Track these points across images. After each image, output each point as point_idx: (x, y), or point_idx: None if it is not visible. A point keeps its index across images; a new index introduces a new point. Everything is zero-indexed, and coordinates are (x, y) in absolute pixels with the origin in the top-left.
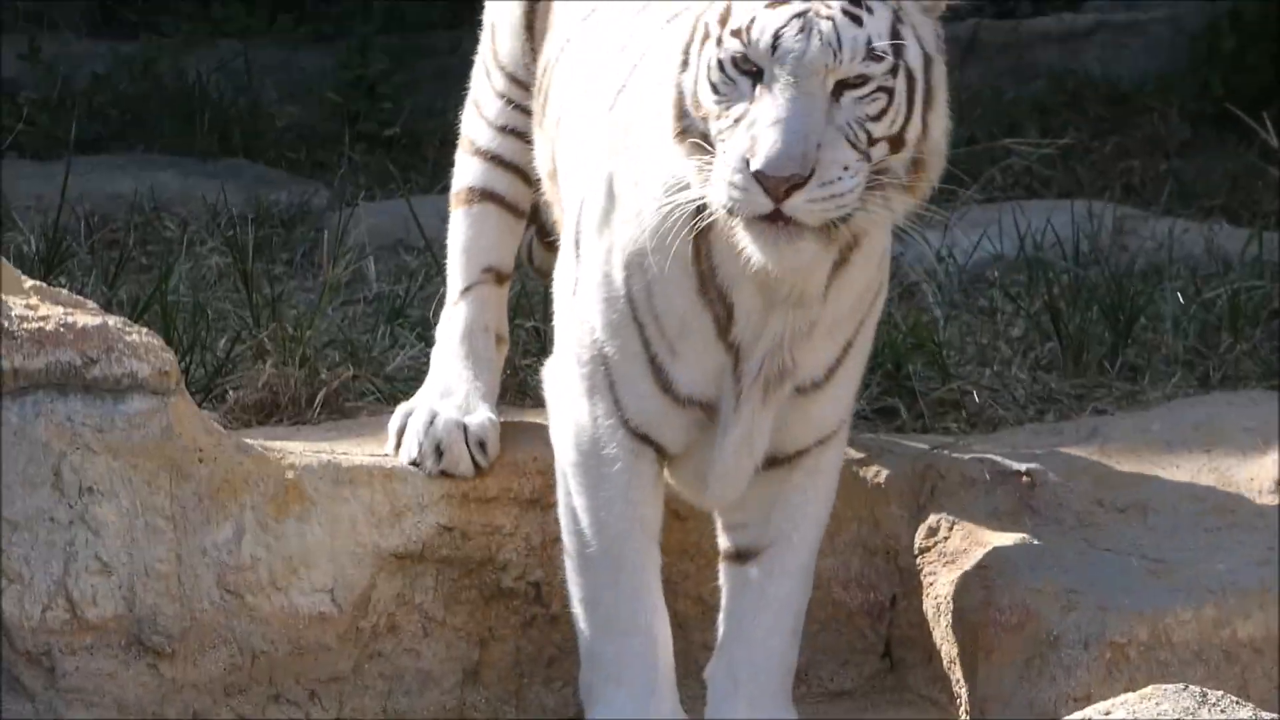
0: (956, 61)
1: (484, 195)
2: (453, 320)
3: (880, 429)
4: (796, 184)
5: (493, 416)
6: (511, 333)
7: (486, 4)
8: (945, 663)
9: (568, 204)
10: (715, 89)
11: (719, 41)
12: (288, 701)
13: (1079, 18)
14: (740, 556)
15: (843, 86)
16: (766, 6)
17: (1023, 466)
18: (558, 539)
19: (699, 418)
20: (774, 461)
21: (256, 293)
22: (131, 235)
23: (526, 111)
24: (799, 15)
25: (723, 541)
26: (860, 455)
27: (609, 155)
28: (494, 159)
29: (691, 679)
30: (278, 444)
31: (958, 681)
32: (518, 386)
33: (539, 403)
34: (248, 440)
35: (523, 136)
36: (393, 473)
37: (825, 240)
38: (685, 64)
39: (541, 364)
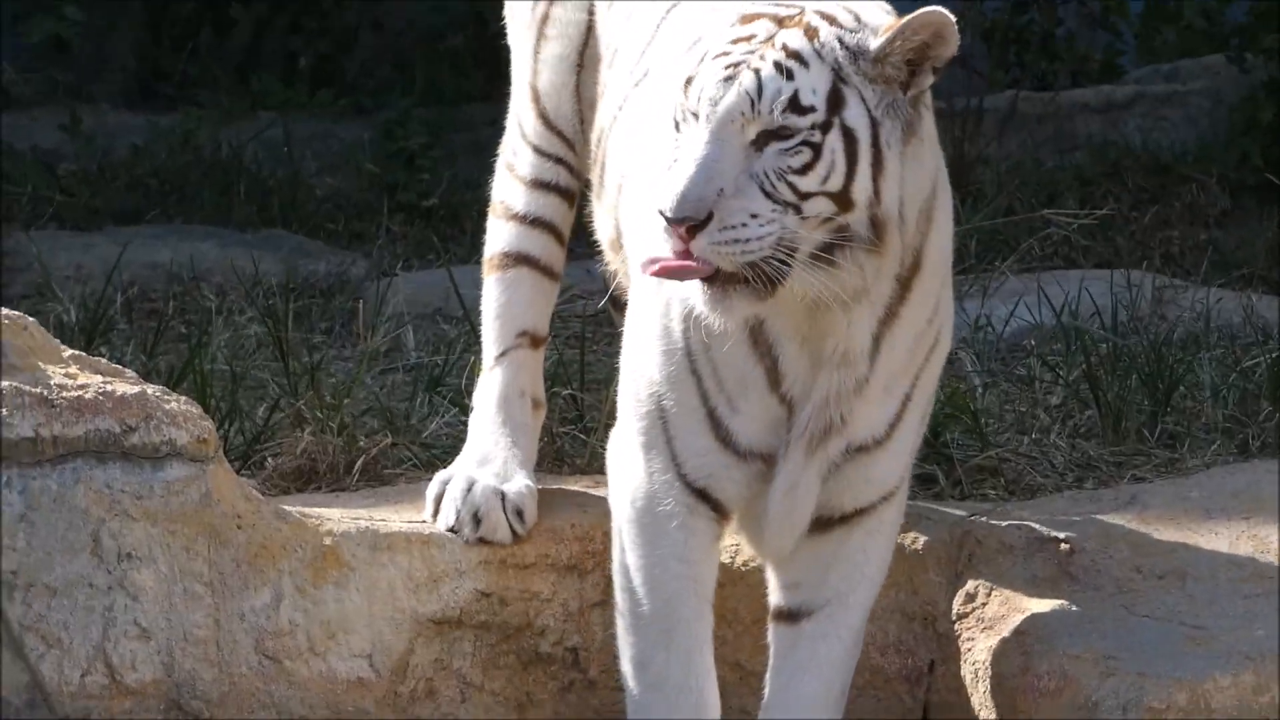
0: (995, 132)
1: (517, 259)
2: (488, 387)
3: (919, 496)
4: (697, 226)
5: (530, 484)
6: (549, 400)
7: (515, 65)
8: None
9: (633, 266)
10: (675, 140)
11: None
12: None
13: (1118, 89)
14: (792, 616)
15: (768, 137)
16: (714, 58)
17: (1061, 534)
18: (596, 604)
19: (760, 469)
20: (833, 521)
21: (295, 361)
22: (170, 305)
23: (568, 166)
24: (732, 65)
25: (774, 599)
26: None
27: None
28: (529, 220)
29: None
30: (316, 510)
31: None
32: (555, 453)
33: (576, 470)
34: (286, 507)
35: (561, 191)
36: (430, 539)
37: (756, 297)
38: None
39: (578, 431)
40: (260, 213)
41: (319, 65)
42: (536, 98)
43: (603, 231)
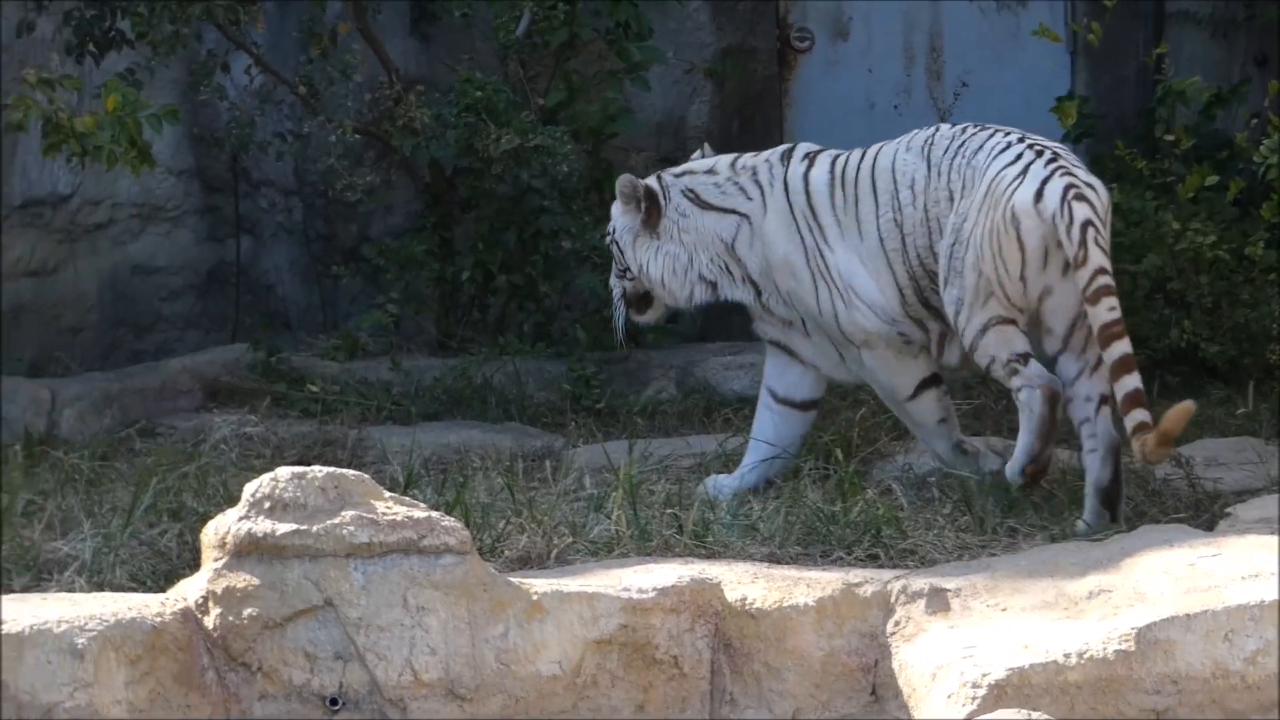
0: None
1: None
2: None
3: (869, 567)
4: None
5: None
6: None
7: None
8: (905, 695)
9: None
10: None
11: None
12: None
13: None
14: None
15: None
16: None
17: (950, 586)
18: (687, 630)
19: None
20: None
21: (519, 496)
22: (452, 467)
23: None
24: None
25: None
26: (856, 581)
27: None
28: None
29: None
30: (529, 580)
31: (914, 706)
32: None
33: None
34: (511, 578)
35: None
36: (594, 595)
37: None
38: None
39: None
40: (504, 413)
41: (536, 329)
42: None
43: None
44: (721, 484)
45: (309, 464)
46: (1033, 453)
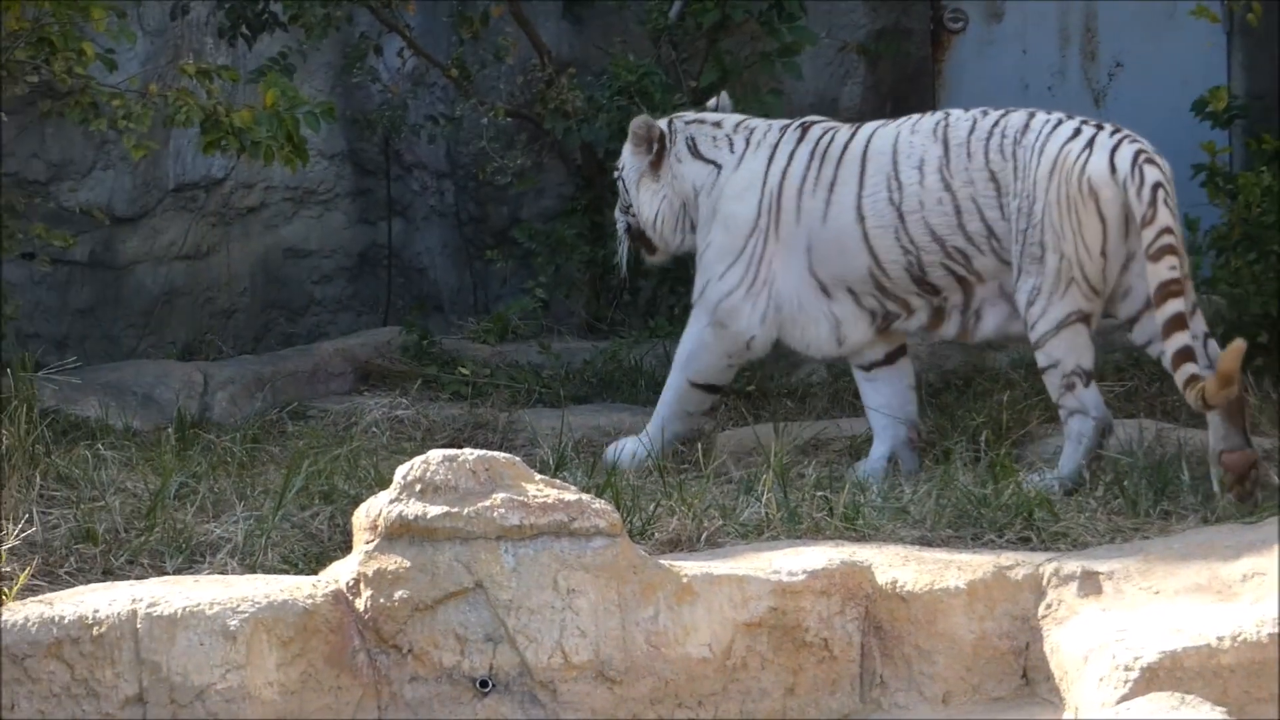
0: None
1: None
2: None
3: (1020, 550)
4: None
5: None
6: None
7: None
8: (1057, 679)
9: None
10: None
11: None
12: (685, 707)
13: None
14: None
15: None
16: None
17: (1101, 569)
18: (838, 613)
19: None
20: None
21: (667, 479)
22: (602, 450)
23: None
24: None
25: None
26: (1008, 564)
27: None
28: None
29: None
30: (678, 563)
31: (1065, 689)
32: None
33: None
34: (662, 560)
35: None
36: (744, 578)
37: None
38: None
39: None
40: (654, 396)
41: (686, 311)
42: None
43: None
44: (871, 466)
45: (460, 447)
46: (1077, 479)
